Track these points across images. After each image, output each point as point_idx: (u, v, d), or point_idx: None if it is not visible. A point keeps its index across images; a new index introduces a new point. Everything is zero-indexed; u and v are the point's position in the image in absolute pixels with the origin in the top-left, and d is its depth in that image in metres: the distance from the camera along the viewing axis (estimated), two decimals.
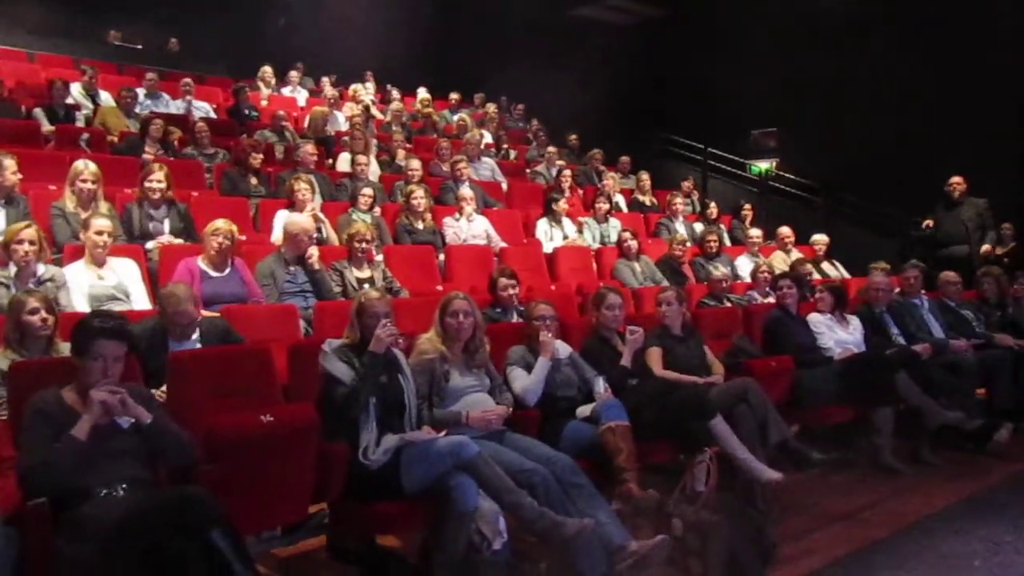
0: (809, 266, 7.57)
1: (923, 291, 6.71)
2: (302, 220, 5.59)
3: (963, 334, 6.36)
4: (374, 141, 9.45)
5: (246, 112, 10.20)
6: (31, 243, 4.30)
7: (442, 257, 6.81)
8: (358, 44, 13.79)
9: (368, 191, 6.95)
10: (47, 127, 8.01)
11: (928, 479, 5.12)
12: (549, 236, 7.91)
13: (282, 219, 6.08)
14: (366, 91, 12.64)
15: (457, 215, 7.35)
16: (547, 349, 4.17)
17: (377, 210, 7.10)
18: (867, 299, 6.28)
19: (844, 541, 4.07)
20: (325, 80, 12.66)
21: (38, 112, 8.26)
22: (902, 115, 10.12)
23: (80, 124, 8.52)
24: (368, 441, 3.35)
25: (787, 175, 12.02)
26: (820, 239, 8.60)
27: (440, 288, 5.88)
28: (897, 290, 6.62)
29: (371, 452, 3.32)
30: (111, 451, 2.83)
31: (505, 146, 11.67)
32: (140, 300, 4.86)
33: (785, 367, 5.12)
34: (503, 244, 7.35)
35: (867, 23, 10.57)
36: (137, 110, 9.10)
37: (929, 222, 8.91)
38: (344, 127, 10.31)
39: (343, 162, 8.54)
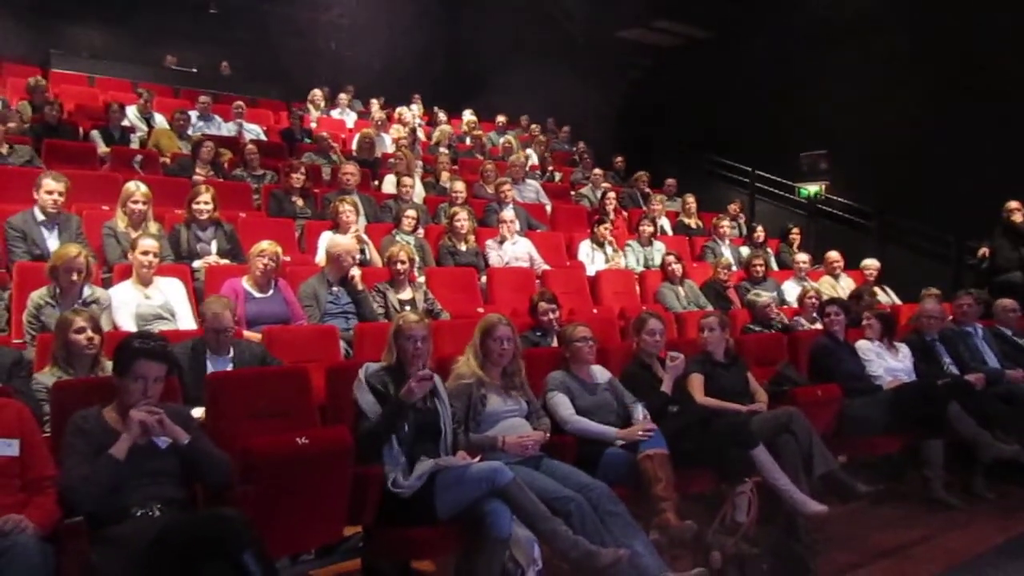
0: (875, 299, 7.27)
1: (978, 319, 6.52)
2: (344, 241, 5.64)
3: (1019, 364, 6.15)
4: (419, 163, 9.53)
5: (298, 135, 10.35)
6: (79, 272, 4.36)
7: (484, 279, 6.81)
8: (405, 67, 13.99)
9: (411, 213, 6.99)
10: (103, 149, 8.23)
11: (981, 514, 4.95)
12: (592, 259, 7.88)
13: (326, 240, 6.15)
14: (412, 113, 12.77)
15: (500, 237, 7.36)
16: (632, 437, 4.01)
17: (421, 232, 7.15)
18: (918, 327, 6.12)
19: None
20: (374, 102, 12.82)
21: (95, 134, 8.50)
22: (958, 137, 9.86)
23: (135, 146, 8.75)
24: (395, 473, 3.34)
25: (837, 198, 11.82)
26: (871, 264, 8.42)
27: (481, 310, 5.88)
28: (950, 318, 6.44)
29: (401, 480, 3.31)
30: (148, 471, 2.86)
31: (550, 168, 11.69)
32: (186, 319, 4.94)
33: (831, 396, 5.00)
34: (546, 267, 7.34)
35: (922, 43, 10.38)
36: (190, 132, 9.31)
37: (985, 250, 8.66)
38: (390, 149, 10.42)
39: (388, 184, 8.62)
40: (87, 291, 4.48)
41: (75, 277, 4.35)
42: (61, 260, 4.35)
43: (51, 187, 5.34)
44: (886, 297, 8.24)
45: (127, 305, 4.69)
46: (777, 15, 12.08)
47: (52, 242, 5.29)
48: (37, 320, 4.30)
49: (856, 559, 4.16)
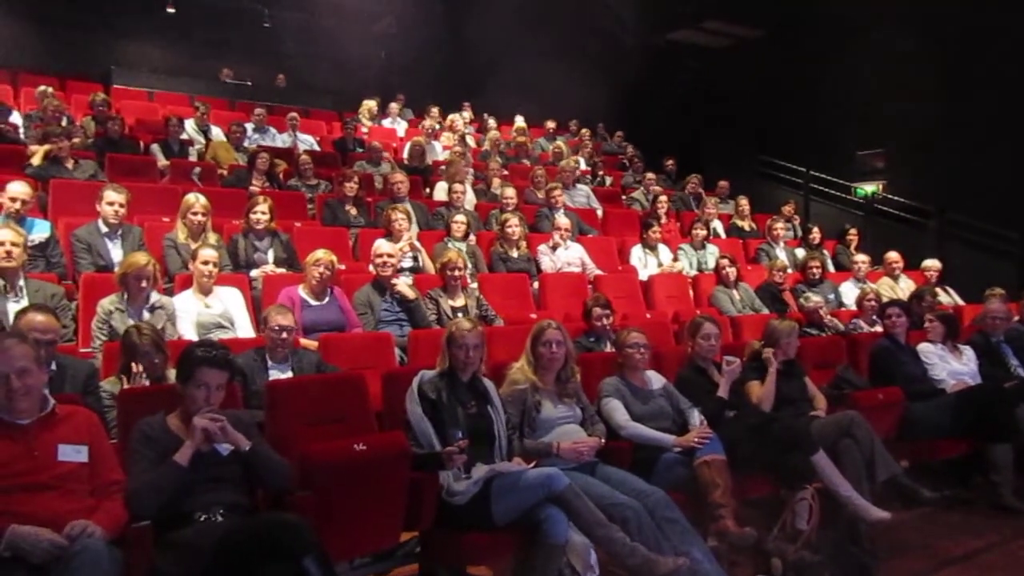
0: (935, 300, 7.02)
1: None
2: (383, 246, 5.69)
3: None
4: (470, 170, 9.57)
5: (351, 145, 10.48)
6: (147, 279, 4.53)
7: (536, 285, 6.81)
8: (453, 74, 14.06)
9: (461, 219, 7.03)
10: (163, 162, 8.44)
11: None
12: (644, 263, 7.83)
13: None
14: (462, 120, 12.83)
15: (552, 242, 7.36)
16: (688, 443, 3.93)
17: (472, 238, 7.18)
18: (983, 327, 5.95)
19: None
20: (434, 110, 12.88)
21: (155, 148, 8.71)
22: (1020, 131, 9.58)
23: (193, 158, 8.95)
24: (447, 481, 3.36)
25: (895, 197, 11.55)
26: (932, 264, 8.22)
27: (534, 316, 5.88)
28: (1016, 318, 6.25)
29: (454, 487, 3.33)
30: (211, 477, 2.92)
31: (601, 172, 11.65)
32: (244, 328, 5.04)
33: (893, 399, 4.89)
34: (598, 271, 7.31)
35: (982, 35, 10.11)
36: (246, 144, 9.50)
37: None
38: (442, 156, 10.48)
39: (440, 191, 8.68)
40: (154, 297, 4.63)
41: (144, 284, 4.52)
42: (132, 268, 4.52)
43: (112, 199, 5.51)
44: (948, 298, 8.04)
45: (188, 314, 4.81)
46: (829, 11, 11.87)
47: (116, 253, 5.45)
48: (107, 325, 4.44)
49: (921, 567, 4.06)
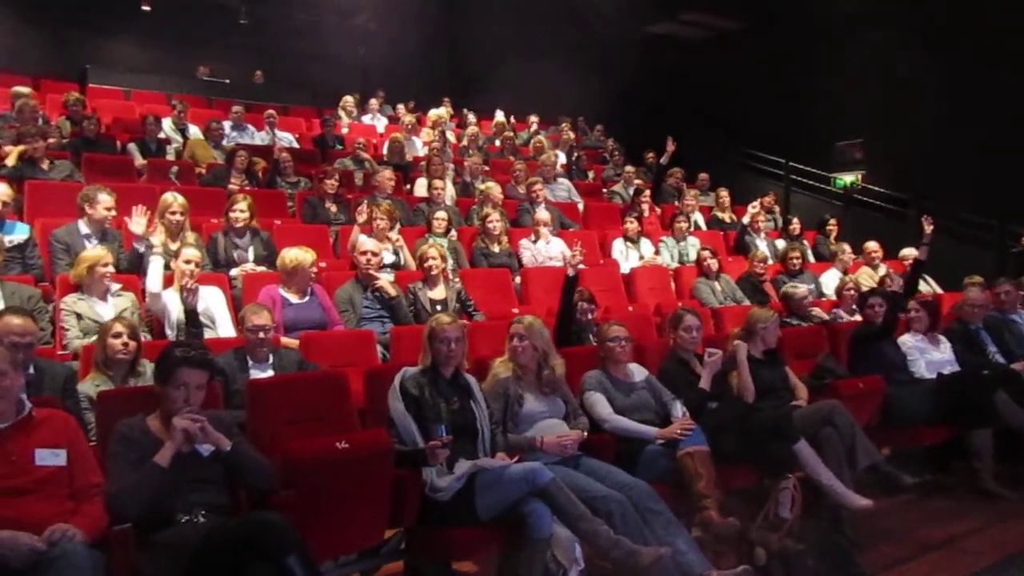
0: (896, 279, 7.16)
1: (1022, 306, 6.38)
2: (366, 243, 5.66)
3: None
4: (450, 165, 9.54)
5: (330, 142, 10.42)
6: (110, 266, 4.70)
7: (519, 279, 6.81)
8: (432, 69, 14.02)
9: (441, 215, 7.00)
10: (140, 161, 8.35)
11: None
12: (626, 256, 7.84)
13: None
14: (442, 115, 12.79)
15: (533, 237, 7.35)
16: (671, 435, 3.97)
17: (453, 234, 7.16)
18: (961, 315, 6.01)
19: (941, 571, 3.89)
20: (400, 107, 12.85)
21: (132, 147, 8.63)
22: (999, 121, 9.65)
23: (170, 157, 8.86)
24: (430, 477, 3.36)
25: (874, 187, 11.62)
26: (910, 253, 8.26)
27: (516, 311, 5.87)
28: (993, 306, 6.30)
29: (437, 483, 3.33)
30: (192, 478, 2.90)
31: (583, 165, 11.63)
32: (225, 326, 5.00)
33: (874, 387, 4.93)
34: (581, 265, 7.29)
35: (958, 23, 10.17)
36: (224, 142, 9.41)
37: None
38: (421, 152, 10.44)
39: (420, 187, 8.64)
40: (116, 287, 4.77)
41: (108, 271, 4.68)
42: (94, 260, 4.65)
43: (109, 203, 5.50)
44: (927, 286, 8.10)
45: (169, 313, 4.77)
46: (806, 2, 11.91)
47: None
48: (73, 315, 4.51)
49: (904, 552, 4.09)
